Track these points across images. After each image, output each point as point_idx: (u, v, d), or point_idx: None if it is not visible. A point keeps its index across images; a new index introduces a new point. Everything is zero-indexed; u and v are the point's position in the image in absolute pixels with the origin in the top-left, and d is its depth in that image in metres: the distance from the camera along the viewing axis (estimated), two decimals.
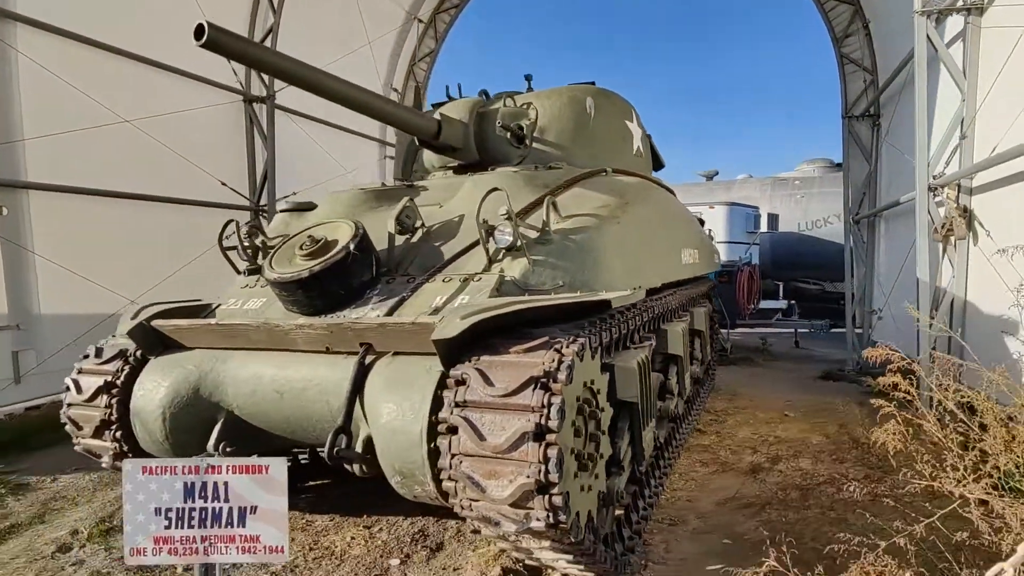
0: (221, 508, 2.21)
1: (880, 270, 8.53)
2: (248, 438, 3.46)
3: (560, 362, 2.49)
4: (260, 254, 4.18)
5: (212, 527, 2.21)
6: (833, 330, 12.18)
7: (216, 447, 3.33)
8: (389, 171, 12.25)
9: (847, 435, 5.45)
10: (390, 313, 3.16)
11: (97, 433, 3.53)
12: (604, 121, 5.38)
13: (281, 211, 4.81)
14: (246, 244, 4.17)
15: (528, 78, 5.91)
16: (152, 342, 3.61)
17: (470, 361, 2.67)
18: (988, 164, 4.91)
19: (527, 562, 3.21)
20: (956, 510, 2.69)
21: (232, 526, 2.21)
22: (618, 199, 3.97)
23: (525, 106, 5.35)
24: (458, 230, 3.82)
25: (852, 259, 9.32)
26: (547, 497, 2.35)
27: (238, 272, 4.31)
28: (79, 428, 3.60)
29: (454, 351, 2.70)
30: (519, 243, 3.36)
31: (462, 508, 2.59)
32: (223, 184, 8.10)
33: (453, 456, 2.51)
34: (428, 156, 5.44)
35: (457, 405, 2.54)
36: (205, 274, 7.80)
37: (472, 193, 4.03)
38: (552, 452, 2.33)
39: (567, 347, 2.59)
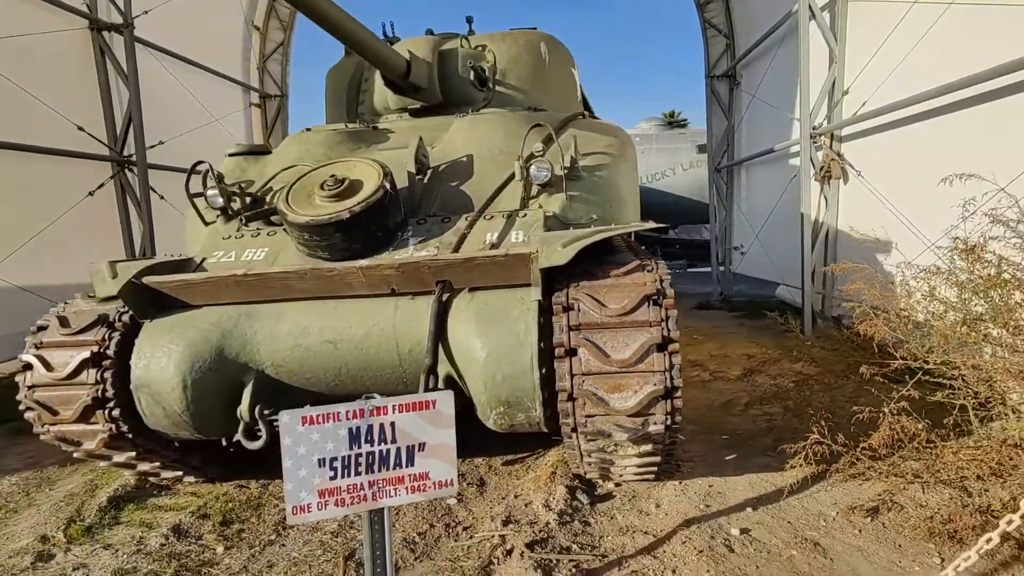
0: (388, 450, 2.11)
1: (743, 211, 9.92)
2: (286, 397, 3.19)
3: (662, 280, 2.71)
4: (233, 201, 3.72)
5: (380, 471, 2.10)
6: (689, 269, 13.89)
7: (251, 412, 3.03)
8: (256, 121, 11.02)
9: (776, 346, 6.44)
10: (455, 250, 3.08)
11: (84, 416, 2.96)
12: (557, 67, 5.50)
13: (231, 155, 4.25)
14: (227, 190, 3.66)
15: (469, 20, 5.79)
16: (145, 303, 3.09)
17: (570, 287, 2.77)
18: (858, 120, 6.01)
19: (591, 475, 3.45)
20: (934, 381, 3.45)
21: (400, 467, 2.13)
22: (614, 140, 4.19)
23: (480, 48, 5.27)
24: (472, 169, 3.76)
25: (716, 203, 10.69)
26: (670, 401, 2.60)
27: (205, 223, 3.77)
28: (53, 413, 2.98)
29: (547, 281, 2.78)
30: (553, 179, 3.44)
31: (575, 427, 2.74)
32: (80, 129, 6.71)
33: (575, 376, 2.63)
34: (380, 97, 5.13)
35: (573, 328, 2.65)
36: (68, 240, 6.55)
37: (470, 132, 3.99)
38: (676, 359, 2.57)
39: (658, 269, 2.82)
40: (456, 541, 3.02)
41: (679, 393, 2.59)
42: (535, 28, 5.82)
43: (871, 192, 5.96)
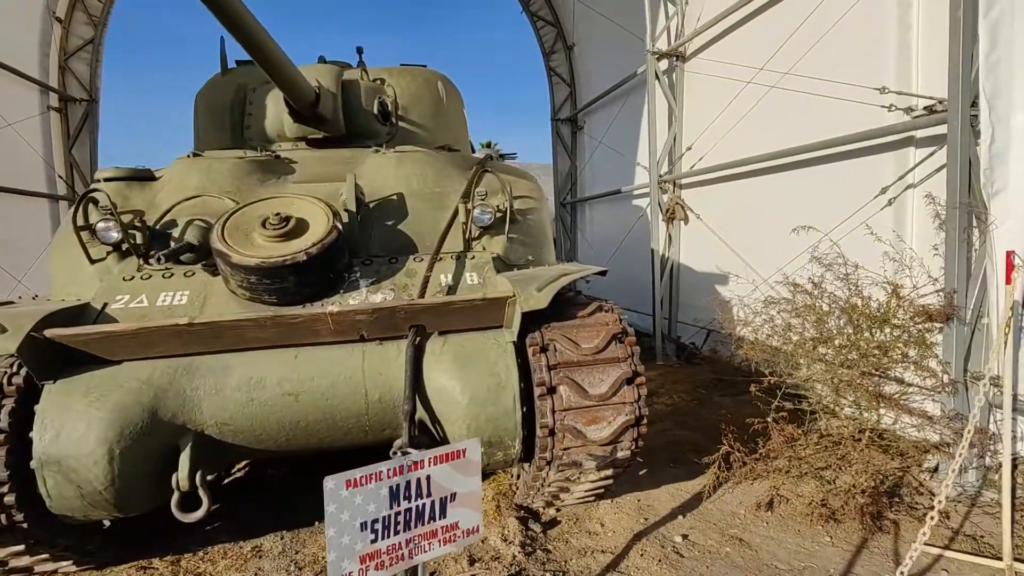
0: (424, 504, 2.09)
1: (589, 242, 10.95)
2: (226, 458, 2.89)
3: (621, 320, 3.04)
4: (131, 235, 3.27)
5: (416, 526, 2.07)
6: None
7: (190, 479, 2.69)
8: (55, 125, 9.26)
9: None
10: (421, 294, 3.07)
11: None
12: (452, 106, 5.67)
13: (109, 179, 3.69)
14: (124, 223, 3.19)
15: (360, 51, 5.70)
16: (46, 362, 2.58)
17: (543, 329, 2.96)
18: (695, 173, 7.15)
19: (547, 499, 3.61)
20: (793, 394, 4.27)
21: (434, 519, 2.12)
22: (534, 184, 4.48)
23: (379, 81, 5.25)
24: (405, 208, 3.76)
25: (562, 235, 11.64)
26: (637, 428, 2.92)
27: (91, 260, 3.24)
28: None
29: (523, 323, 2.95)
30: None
31: (550, 459, 2.92)
32: None
33: (555, 412, 2.82)
34: (273, 124, 4.82)
35: (552, 368, 2.84)
36: None
37: (397, 169, 3.98)
38: (643, 390, 2.90)
39: (615, 309, 3.15)
40: None
41: (644, 420, 2.92)
42: (425, 66, 5.94)
43: (709, 233, 7.10)
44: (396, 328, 2.91)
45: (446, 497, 2.13)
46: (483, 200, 3.57)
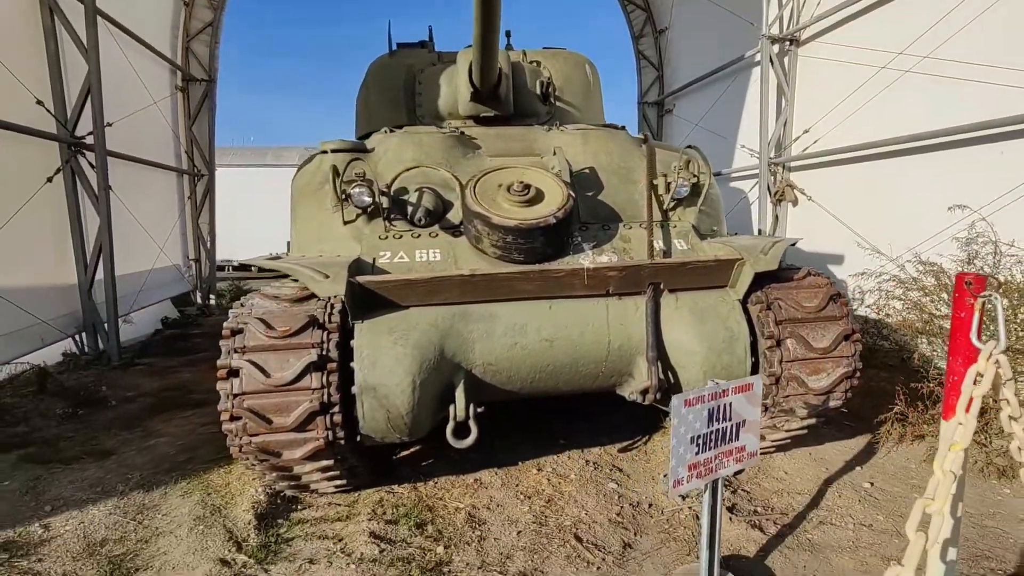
0: (726, 427, 2.45)
1: None
2: (487, 395, 3.30)
3: (832, 284, 3.35)
4: (380, 200, 3.66)
5: (720, 445, 2.44)
6: None
7: (465, 411, 3.11)
8: (179, 107, 9.87)
9: None
10: (650, 256, 3.42)
11: (304, 423, 2.81)
12: (596, 87, 5.97)
13: (335, 151, 4.11)
14: (372, 188, 3.58)
15: (508, 34, 6.03)
16: (357, 304, 3.01)
17: (764, 290, 3.29)
18: (815, 155, 7.33)
19: None
20: None
21: (732, 441, 2.48)
22: (704, 162, 4.75)
23: (536, 64, 5.57)
24: (600, 181, 4.09)
25: None
26: (852, 380, 3.23)
27: (344, 222, 3.67)
28: (267, 421, 2.79)
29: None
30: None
31: (770, 405, 3.26)
32: (39, 103, 5.68)
33: (782, 362, 3.16)
34: (447, 102, 5.19)
35: (779, 323, 3.17)
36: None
37: (584, 146, 4.30)
38: (859, 346, 3.22)
39: (821, 274, 3.46)
40: (652, 518, 3.36)
41: (859, 373, 3.24)
42: (565, 48, 6.24)
43: (819, 215, 7.30)
44: (636, 285, 3.27)
45: (740, 423, 2.49)
46: (679, 174, 3.89)
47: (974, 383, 1.97)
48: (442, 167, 4.01)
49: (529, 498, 3.57)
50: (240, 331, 2.86)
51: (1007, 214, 4.89)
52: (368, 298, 3.06)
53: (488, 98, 4.94)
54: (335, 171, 3.69)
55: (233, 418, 2.77)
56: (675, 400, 2.24)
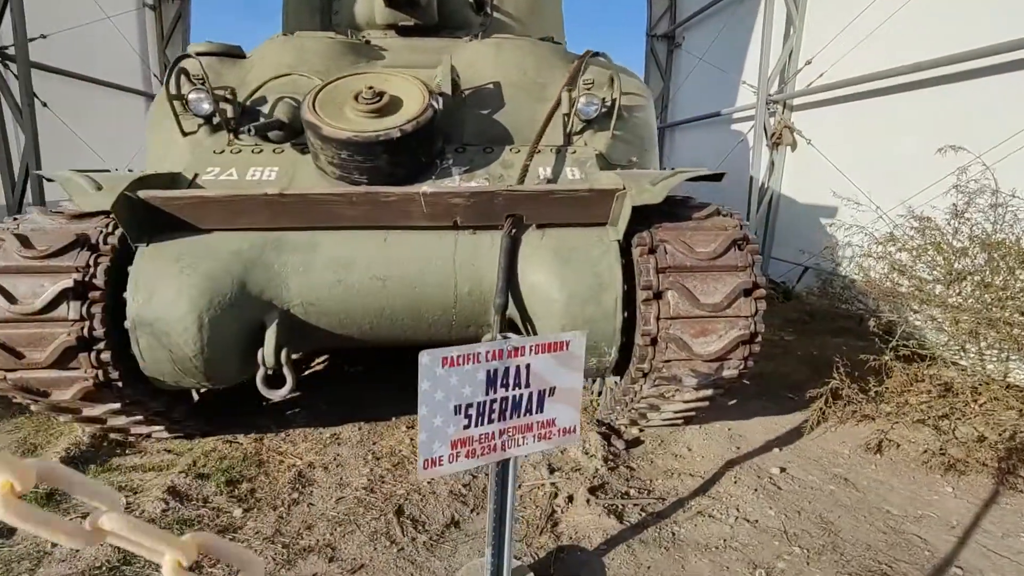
0: (521, 395, 1.90)
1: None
2: (312, 341, 2.81)
3: (742, 225, 2.68)
4: (223, 109, 3.14)
5: (511, 418, 1.90)
6: None
7: (275, 356, 2.62)
8: (149, 22, 9.38)
9: None
10: (520, 182, 2.81)
11: (62, 359, 2.38)
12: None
13: (200, 53, 3.55)
14: (217, 95, 3.06)
15: None
16: (139, 224, 2.52)
17: (651, 229, 2.65)
18: (813, 91, 6.36)
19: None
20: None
21: (531, 413, 1.93)
22: (640, 82, 4.03)
23: None
24: (502, 97, 3.45)
25: None
26: (750, 346, 2.61)
27: (183, 133, 3.16)
28: (17, 356, 2.37)
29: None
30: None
31: (648, 371, 2.67)
32: None
33: (660, 319, 2.55)
34: (364, 9, 4.52)
35: (661, 271, 2.55)
36: None
37: (496, 57, 3.65)
38: (762, 305, 2.57)
39: (733, 214, 2.78)
40: None
41: (759, 338, 2.61)
42: None
43: (818, 161, 6.39)
44: (492, 217, 2.68)
45: (545, 391, 1.94)
46: (589, 90, 3.22)
47: None
48: (320, 76, 3.44)
49: (379, 459, 3.13)
50: None
51: (1009, 164, 4.02)
52: (157, 218, 2.56)
53: (404, 4, 4.27)
54: (183, 75, 3.17)
55: None
56: (425, 357, 1.69)
